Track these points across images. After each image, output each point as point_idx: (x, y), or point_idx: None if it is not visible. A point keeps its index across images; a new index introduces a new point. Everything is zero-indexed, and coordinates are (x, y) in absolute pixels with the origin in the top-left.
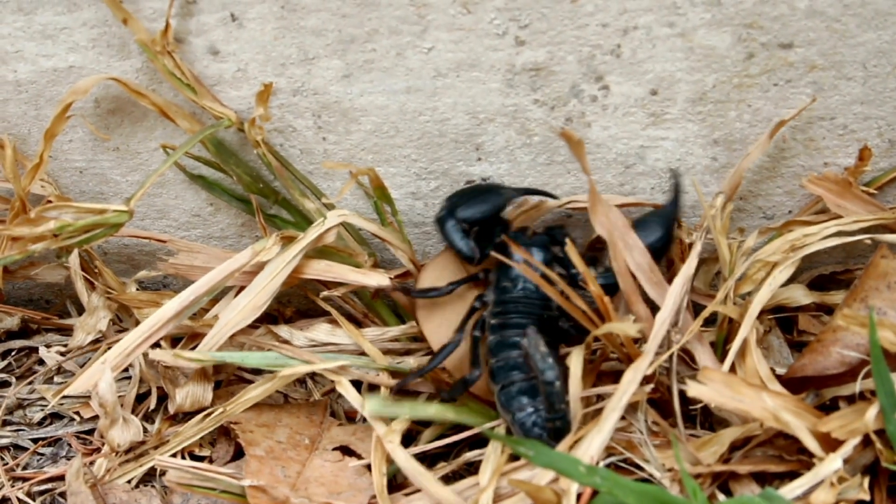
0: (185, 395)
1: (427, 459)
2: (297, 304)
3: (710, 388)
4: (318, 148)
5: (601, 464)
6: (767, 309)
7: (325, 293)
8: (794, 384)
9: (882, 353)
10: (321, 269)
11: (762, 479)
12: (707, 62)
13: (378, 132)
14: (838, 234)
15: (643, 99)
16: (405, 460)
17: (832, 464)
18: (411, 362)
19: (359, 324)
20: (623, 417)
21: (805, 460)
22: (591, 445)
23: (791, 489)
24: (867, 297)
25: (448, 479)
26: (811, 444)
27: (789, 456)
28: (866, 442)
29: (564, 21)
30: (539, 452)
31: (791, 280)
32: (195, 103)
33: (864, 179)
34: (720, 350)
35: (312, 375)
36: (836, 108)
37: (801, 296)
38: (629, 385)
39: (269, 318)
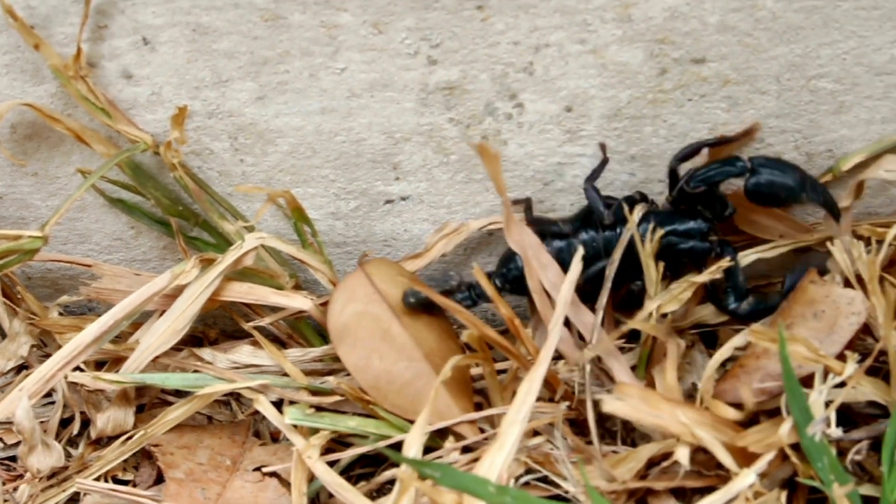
0: (106, 420)
1: (353, 479)
2: (222, 325)
3: (627, 403)
4: (236, 170)
5: (520, 480)
6: (690, 325)
7: (251, 323)
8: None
9: (793, 370)
10: (242, 292)
11: (682, 494)
12: (620, 78)
13: (295, 153)
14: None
15: (558, 116)
16: (325, 473)
17: (746, 479)
18: (332, 381)
19: (284, 345)
20: (539, 434)
21: (724, 475)
22: (493, 463)
23: None
24: (793, 325)
25: (374, 497)
26: (726, 460)
27: (708, 471)
28: (785, 456)
29: (476, 40)
30: (445, 474)
31: None
32: (110, 127)
33: None
34: (643, 367)
35: (237, 397)
36: (751, 122)
37: (710, 315)
38: (526, 396)
39: (195, 340)
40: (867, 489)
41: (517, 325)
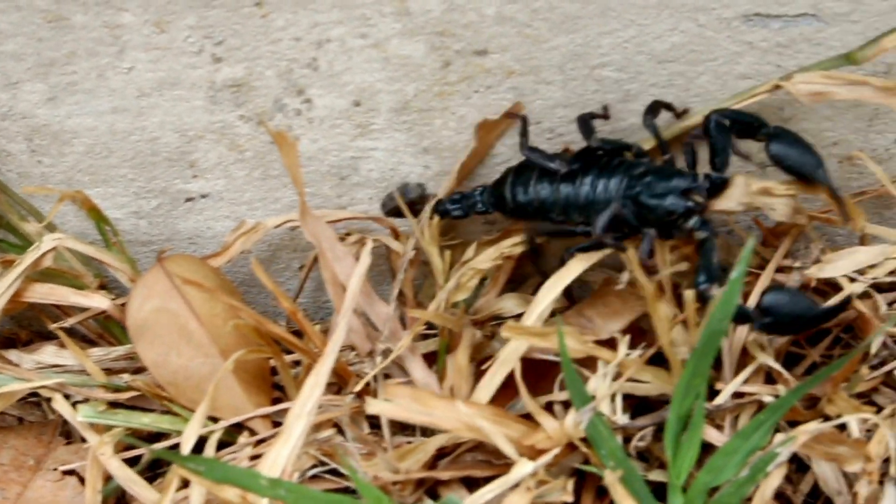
0: None
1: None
2: (37, 326)
3: (395, 403)
4: (35, 171)
5: (309, 473)
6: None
7: (55, 324)
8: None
9: (570, 361)
10: (44, 293)
11: (475, 483)
12: (405, 72)
13: (91, 153)
14: None
15: (347, 110)
16: (119, 469)
17: (524, 468)
18: (126, 378)
19: (95, 344)
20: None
21: (512, 464)
22: (278, 457)
23: (482, 494)
24: (586, 330)
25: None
26: (507, 450)
27: (497, 460)
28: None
29: (258, 36)
30: (210, 468)
31: (516, 287)
32: None
33: None
34: (443, 357)
35: (49, 398)
36: (539, 113)
37: (513, 305)
38: (312, 390)
39: (9, 341)
40: (657, 475)
41: (300, 318)
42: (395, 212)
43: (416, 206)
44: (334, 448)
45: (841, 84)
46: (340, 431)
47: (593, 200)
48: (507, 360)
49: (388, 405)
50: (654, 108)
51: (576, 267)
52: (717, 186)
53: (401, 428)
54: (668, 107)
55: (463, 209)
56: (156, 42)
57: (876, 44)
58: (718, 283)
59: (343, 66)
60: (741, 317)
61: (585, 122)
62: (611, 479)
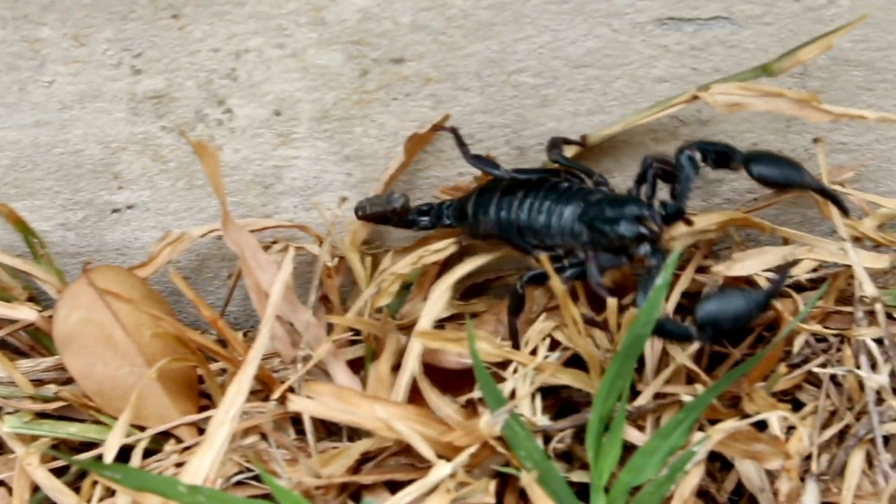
0: None
1: None
2: None
3: (318, 401)
4: None
5: (234, 479)
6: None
7: None
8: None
9: (482, 364)
10: None
11: (401, 487)
12: (324, 81)
13: (16, 167)
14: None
15: (268, 120)
16: (45, 479)
17: (442, 470)
18: (54, 388)
19: (26, 355)
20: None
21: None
22: (201, 463)
23: (401, 497)
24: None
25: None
26: (426, 452)
27: (420, 464)
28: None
29: (176, 48)
30: (128, 476)
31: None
32: None
33: None
34: (370, 361)
35: None
36: (459, 119)
37: (440, 310)
38: (235, 397)
39: None
40: (580, 475)
41: (221, 326)
42: (369, 217)
43: (394, 217)
44: (259, 454)
45: (757, 95)
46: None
47: (548, 225)
48: (413, 363)
49: (310, 403)
50: (556, 143)
51: (465, 266)
52: (672, 216)
53: (327, 434)
54: (568, 141)
55: (431, 221)
56: (75, 55)
57: (792, 56)
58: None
59: (262, 75)
60: (683, 336)
61: (557, 145)
62: (527, 480)
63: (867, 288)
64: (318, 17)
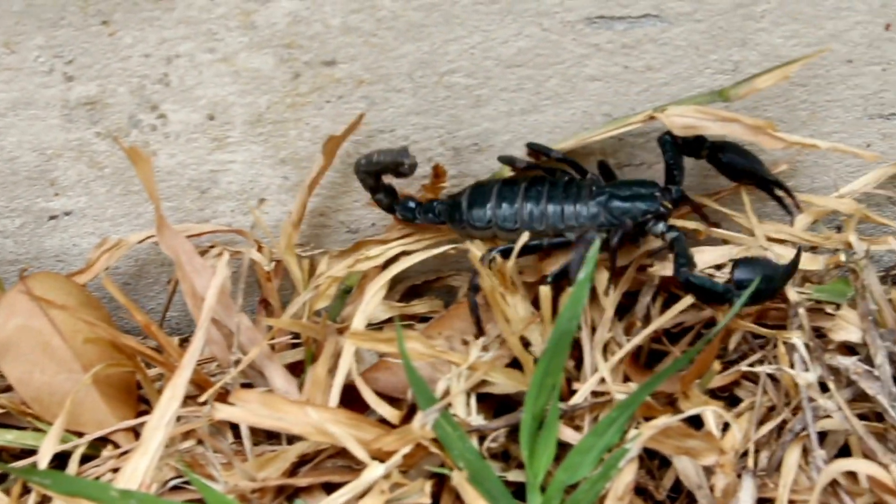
0: None
1: None
2: None
3: (243, 408)
4: None
5: (170, 484)
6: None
7: None
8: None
9: (411, 364)
10: None
11: (337, 489)
12: (256, 84)
13: None
14: (404, 253)
15: (202, 125)
16: None
17: (374, 471)
18: None
19: None
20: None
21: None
22: (136, 468)
23: (335, 498)
24: (452, 337)
25: None
26: (358, 452)
27: (357, 465)
28: None
29: (107, 54)
30: (56, 481)
31: (386, 292)
32: None
33: None
34: (310, 364)
35: None
36: (393, 121)
37: (379, 312)
38: (170, 402)
39: None
40: (517, 475)
41: (154, 331)
42: (367, 171)
43: (394, 174)
44: (195, 458)
45: (713, 119)
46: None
47: (561, 211)
48: (347, 365)
49: (236, 410)
50: (509, 160)
51: (397, 266)
52: (677, 199)
53: (267, 437)
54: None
55: (416, 211)
56: (7, 63)
57: (748, 83)
58: (693, 267)
59: (194, 80)
60: (720, 298)
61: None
62: (458, 479)
63: (790, 293)
64: (248, 21)
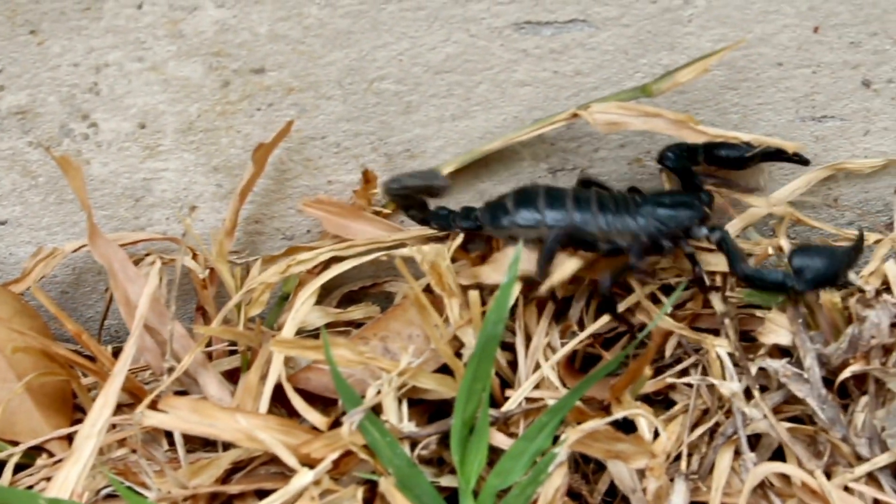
0: None
1: None
2: None
3: (173, 415)
4: None
5: (104, 492)
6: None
7: None
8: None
9: (340, 373)
10: None
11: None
12: (186, 93)
13: None
14: (336, 258)
15: (133, 133)
16: None
17: (303, 478)
18: None
19: None
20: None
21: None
22: (68, 477)
23: None
24: (387, 338)
25: None
26: (289, 460)
27: (290, 472)
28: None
29: (37, 63)
30: None
31: (323, 298)
32: None
33: None
34: (245, 371)
35: None
36: (324, 127)
37: (315, 318)
38: (102, 410)
39: None
40: (450, 480)
41: (85, 339)
42: (397, 193)
43: (427, 195)
44: (128, 467)
45: (636, 115)
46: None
47: (609, 222)
48: (277, 372)
49: (166, 417)
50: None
51: (329, 273)
52: (710, 202)
53: (203, 445)
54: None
55: (449, 221)
56: None
57: (670, 77)
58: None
59: (124, 89)
60: (781, 287)
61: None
62: (385, 485)
63: (716, 304)
64: (176, 29)
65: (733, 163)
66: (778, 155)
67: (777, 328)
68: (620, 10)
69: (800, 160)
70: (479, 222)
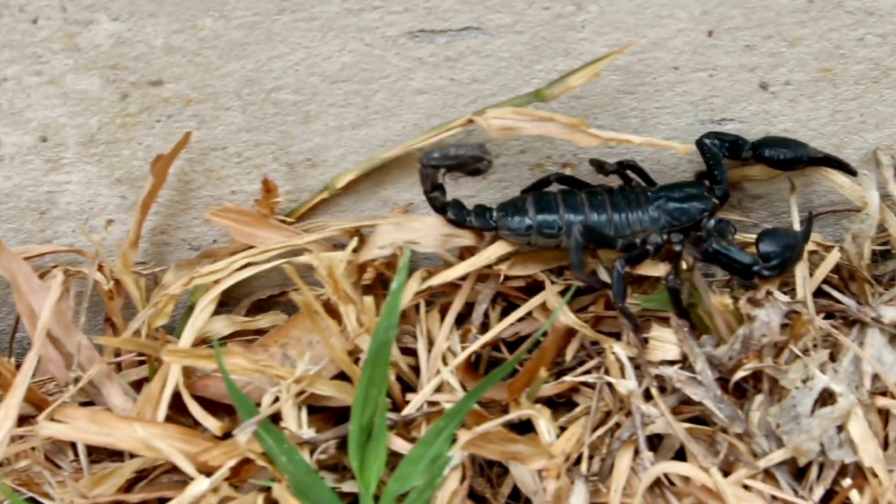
0: None
1: None
2: None
3: (71, 425)
4: None
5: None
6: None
7: None
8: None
9: (235, 384)
10: None
11: None
12: (85, 105)
13: None
14: (248, 265)
15: (35, 146)
16: None
17: (199, 486)
18: None
19: None
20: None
21: None
22: None
23: None
24: (287, 345)
25: None
26: (186, 468)
27: (192, 481)
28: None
29: None
30: None
31: (232, 307)
32: None
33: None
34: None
35: None
36: (224, 138)
37: (221, 327)
38: (3, 422)
39: None
40: (351, 486)
41: None
42: (438, 164)
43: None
44: (31, 478)
45: (530, 120)
46: (48, 460)
47: (626, 219)
48: (174, 381)
49: (63, 427)
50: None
51: (229, 280)
52: (722, 198)
53: (109, 455)
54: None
55: (465, 215)
56: None
57: (562, 82)
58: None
59: (24, 103)
60: (746, 270)
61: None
62: (279, 491)
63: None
64: (72, 43)
65: (783, 164)
66: (827, 161)
67: (662, 344)
68: (513, 17)
69: (847, 169)
70: (492, 223)
